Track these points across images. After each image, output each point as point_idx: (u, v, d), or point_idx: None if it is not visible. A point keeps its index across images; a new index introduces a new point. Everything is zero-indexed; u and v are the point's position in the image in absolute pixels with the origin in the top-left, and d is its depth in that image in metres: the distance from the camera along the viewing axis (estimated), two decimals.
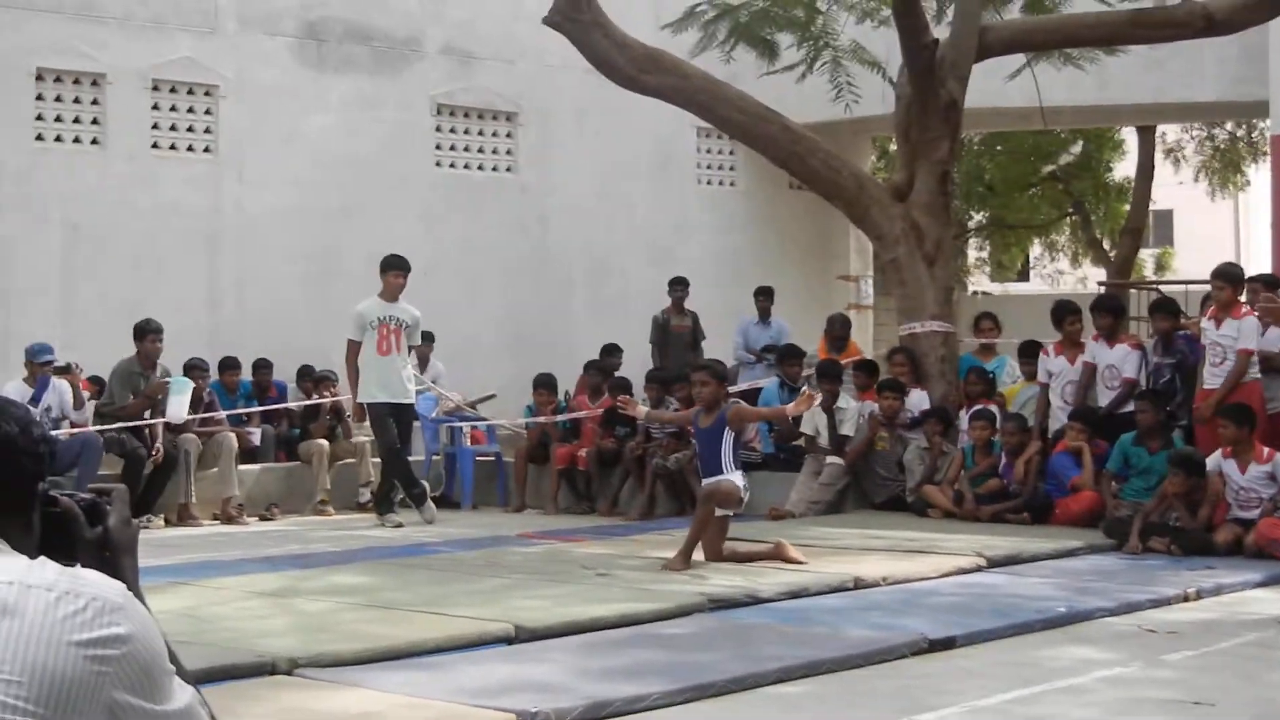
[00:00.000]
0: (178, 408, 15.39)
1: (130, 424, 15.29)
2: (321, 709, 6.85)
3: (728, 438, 11.54)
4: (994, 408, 15.28)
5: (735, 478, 11.54)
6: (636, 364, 18.54)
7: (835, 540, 12.65)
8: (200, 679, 7.34)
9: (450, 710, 6.77)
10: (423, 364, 18.14)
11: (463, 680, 7.40)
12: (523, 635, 8.60)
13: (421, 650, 8.15)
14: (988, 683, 7.69)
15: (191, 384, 15.63)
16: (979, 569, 11.45)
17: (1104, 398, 14.80)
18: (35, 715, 2.38)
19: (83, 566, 2.67)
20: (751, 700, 7.32)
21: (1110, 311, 15.24)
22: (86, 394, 15.72)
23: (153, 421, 15.41)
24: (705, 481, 11.79)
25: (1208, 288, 14.60)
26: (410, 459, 15.86)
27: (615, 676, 7.53)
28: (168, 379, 15.60)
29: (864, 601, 10.03)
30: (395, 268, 15.37)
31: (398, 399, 15.09)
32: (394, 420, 15.08)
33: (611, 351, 18.93)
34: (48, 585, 2.47)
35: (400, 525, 14.94)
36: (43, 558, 2.57)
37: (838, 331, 18.01)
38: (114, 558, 2.73)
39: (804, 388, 15.30)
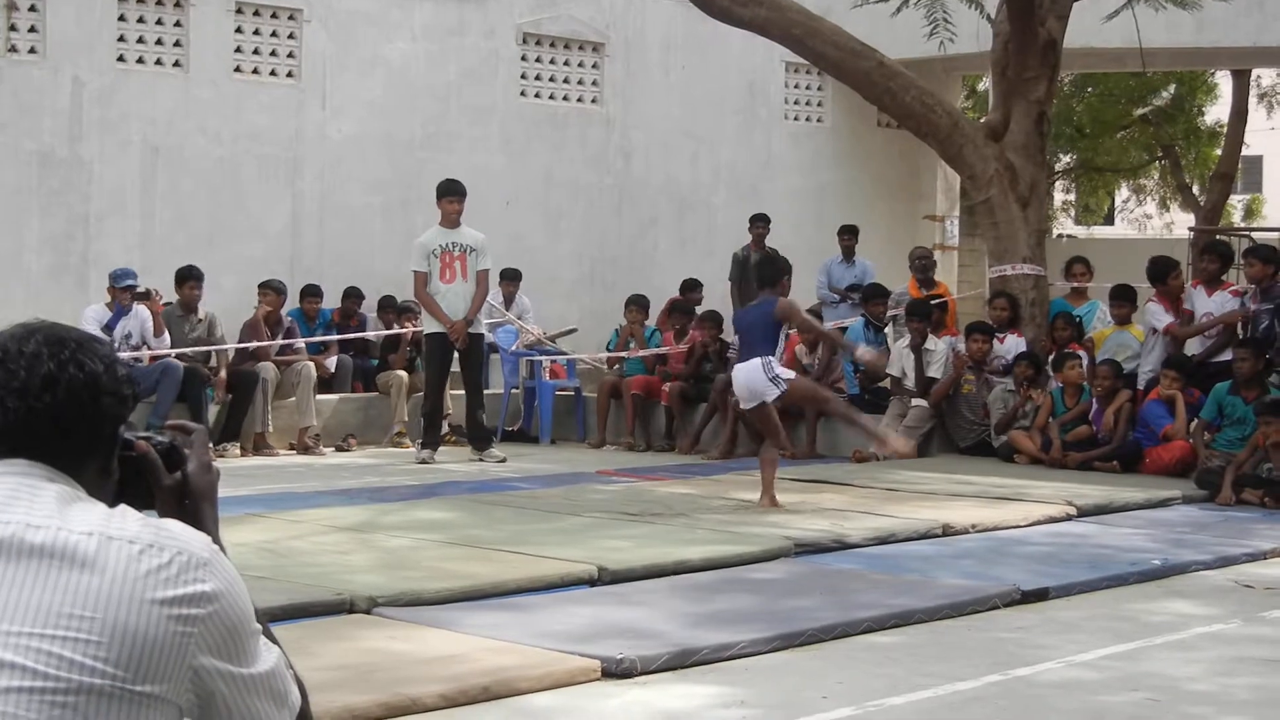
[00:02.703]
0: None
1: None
2: (401, 650, 6.70)
3: (770, 325, 11.39)
4: (1082, 353, 14.97)
5: (762, 377, 11.23)
6: (717, 301, 18.32)
7: (921, 485, 12.43)
8: (277, 616, 7.27)
9: (534, 655, 6.60)
10: (508, 300, 17.97)
11: (546, 623, 7.25)
12: (606, 577, 8.44)
13: (504, 590, 8.02)
14: (1084, 637, 7.49)
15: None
16: (1069, 518, 11.22)
17: (1200, 345, 14.49)
18: (116, 679, 2.20)
19: (160, 515, 2.50)
20: (843, 650, 7.15)
21: (1220, 257, 14.89)
22: None
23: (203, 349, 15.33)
24: (736, 383, 11.65)
25: None
26: (487, 392, 15.71)
27: (701, 622, 7.37)
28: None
29: (953, 549, 9.83)
30: (450, 193, 15.13)
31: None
32: (465, 351, 14.86)
33: (692, 287, 18.74)
34: (130, 537, 2.28)
35: (504, 460, 14.79)
36: (123, 506, 2.39)
37: (923, 267, 17.63)
38: (193, 505, 2.55)
39: (883, 344, 15.06)
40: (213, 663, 2.29)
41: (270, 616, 7.20)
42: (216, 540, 2.48)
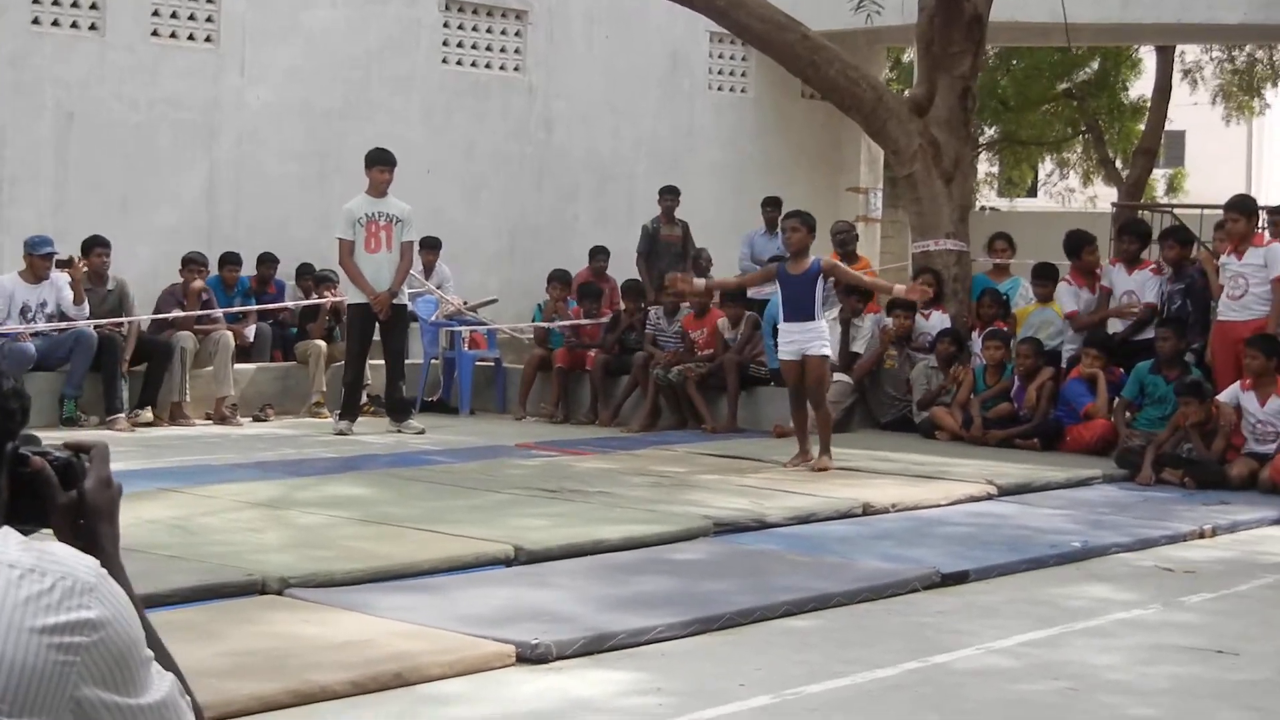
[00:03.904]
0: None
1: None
2: (311, 633, 6.58)
3: (821, 283, 12.15)
4: (1006, 329, 14.98)
5: (823, 325, 12.26)
6: (630, 273, 18.23)
7: (842, 461, 12.36)
8: (188, 597, 7.12)
9: (448, 640, 6.50)
10: (428, 269, 17.80)
11: (460, 605, 7.15)
12: (522, 557, 8.34)
13: (418, 571, 7.90)
14: (1003, 622, 7.46)
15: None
16: (989, 497, 11.19)
17: (1120, 324, 14.53)
18: None
19: (56, 533, 2.37)
20: (761, 634, 7.08)
21: (1139, 236, 14.93)
22: None
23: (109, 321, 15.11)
24: (786, 341, 12.24)
25: (1221, 213, 14.31)
26: (407, 362, 15.56)
27: (619, 605, 7.28)
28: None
29: (874, 529, 9.78)
30: (380, 162, 14.98)
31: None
32: (388, 322, 14.73)
33: (598, 254, 18.59)
34: (10, 561, 2.15)
35: (422, 431, 14.65)
36: (5, 528, 2.25)
37: (843, 241, 17.52)
38: (90, 524, 2.41)
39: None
40: (97, 694, 2.15)
41: (180, 598, 7.12)
42: (115, 561, 2.35)
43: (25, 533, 2.26)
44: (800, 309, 12.10)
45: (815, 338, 12.10)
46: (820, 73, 16.39)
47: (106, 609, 2.16)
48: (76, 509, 2.39)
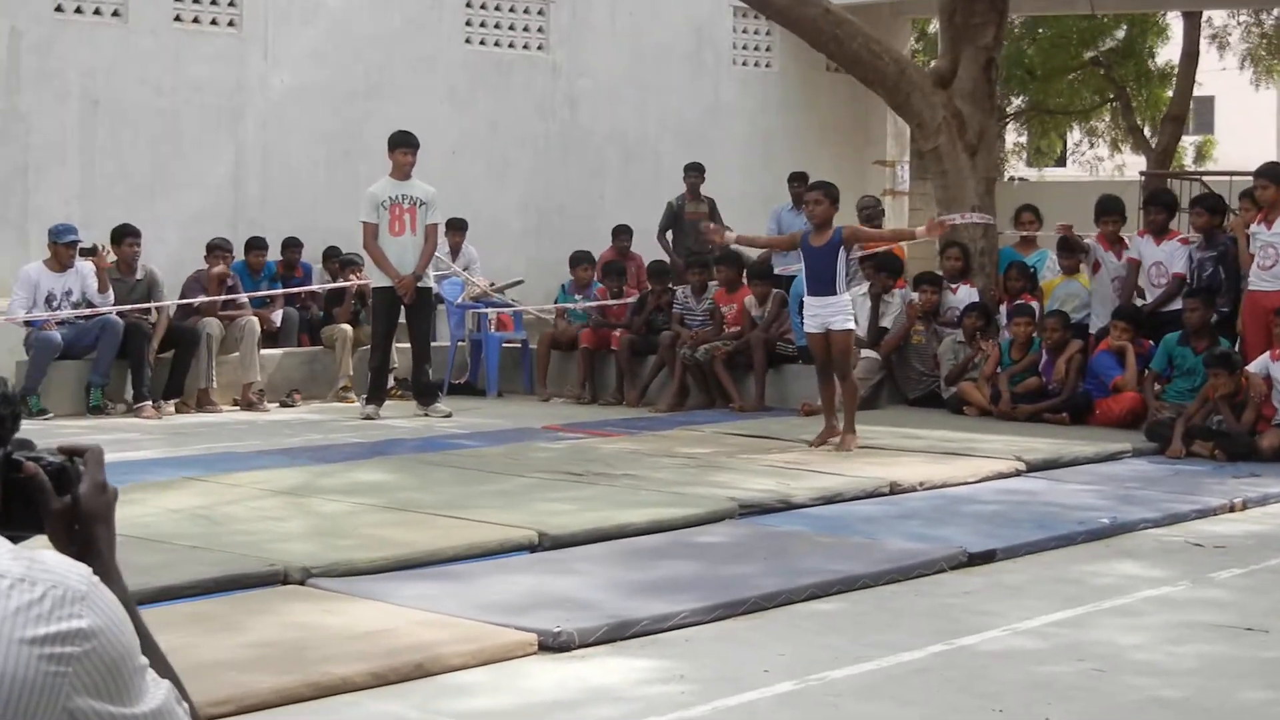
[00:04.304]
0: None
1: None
2: (332, 624, 6.56)
3: (843, 256, 12.00)
4: (1034, 303, 14.87)
5: (846, 299, 12.15)
6: (656, 251, 18.18)
7: (870, 439, 12.30)
8: (209, 589, 7.10)
9: (469, 629, 6.48)
10: (454, 251, 17.78)
11: (483, 593, 7.12)
12: (546, 543, 8.31)
13: (441, 559, 7.87)
14: (1030, 602, 7.41)
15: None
16: (1018, 473, 11.13)
17: (1149, 295, 14.42)
18: None
19: (51, 539, 2.34)
20: (785, 618, 7.04)
21: (1166, 207, 14.78)
22: None
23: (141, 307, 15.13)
24: (810, 315, 12.22)
25: (1251, 180, 14.15)
26: (434, 345, 15.55)
27: (642, 591, 7.25)
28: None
29: (901, 508, 9.72)
30: (403, 145, 14.93)
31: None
32: (413, 305, 14.71)
33: (621, 233, 18.51)
34: None
35: (449, 415, 14.63)
36: None
37: (869, 216, 17.42)
38: (85, 530, 2.38)
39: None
40: (90, 704, 2.12)
41: (202, 589, 7.10)
42: (110, 566, 2.31)
43: (18, 539, 2.23)
44: (823, 281, 12.02)
45: (838, 311, 12.04)
46: (843, 46, 16.30)
47: (99, 617, 2.13)
48: (71, 514, 2.37)
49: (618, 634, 6.54)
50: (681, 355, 15.62)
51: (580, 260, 17.66)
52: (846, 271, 12.11)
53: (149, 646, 2.26)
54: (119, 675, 2.13)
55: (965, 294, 15.47)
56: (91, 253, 14.89)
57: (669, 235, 18.60)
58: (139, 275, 15.35)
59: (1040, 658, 6.40)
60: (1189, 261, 14.21)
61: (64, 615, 2.09)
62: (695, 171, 18.69)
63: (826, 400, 12.38)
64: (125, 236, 15.28)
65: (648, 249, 18.34)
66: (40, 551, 2.20)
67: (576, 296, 17.40)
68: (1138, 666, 6.28)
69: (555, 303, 17.92)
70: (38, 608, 2.08)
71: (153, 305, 15.28)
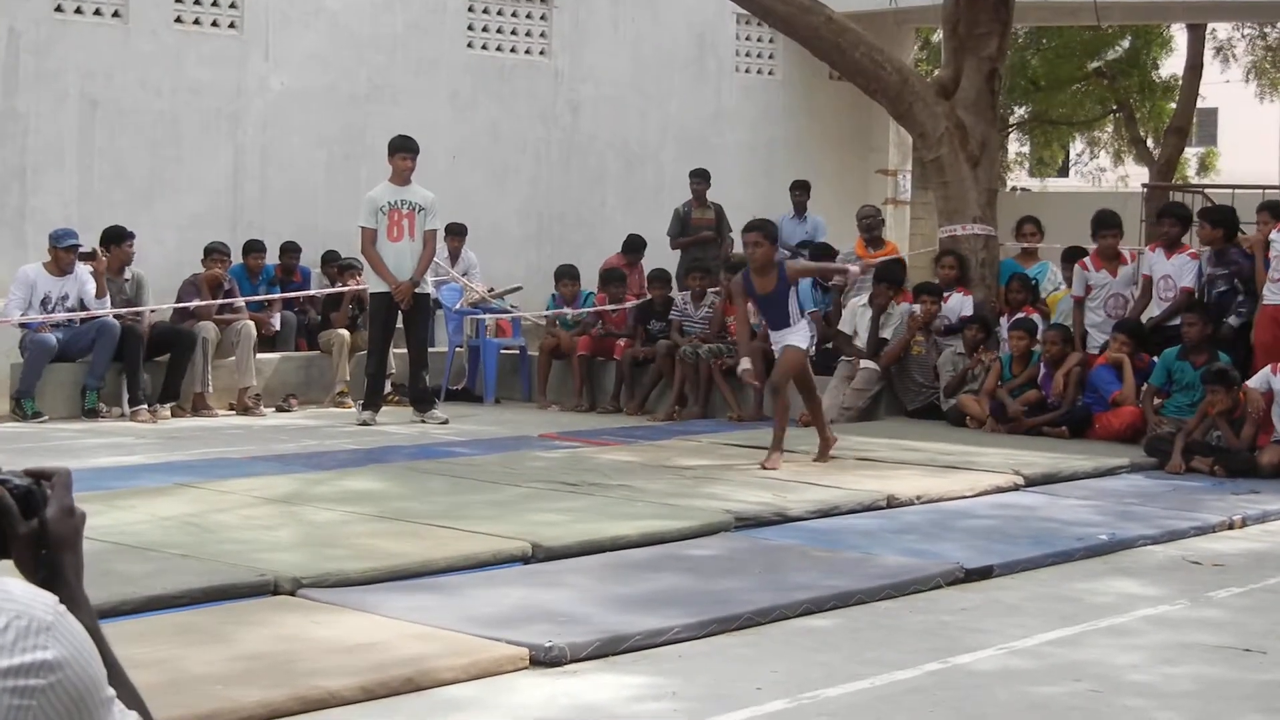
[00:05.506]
0: None
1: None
2: (321, 636, 6.49)
3: (793, 294, 11.79)
4: (1036, 317, 14.79)
5: (803, 324, 11.90)
6: (664, 259, 18.09)
7: (868, 451, 12.25)
8: (198, 599, 7.02)
9: (459, 642, 6.41)
10: (454, 256, 17.73)
11: (474, 606, 7.05)
12: (540, 554, 8.24)
13: (433, 570, 7.80)
14: (1026, 620, 7.33)
15: None
16: (1016, 488, 11.06)
17: (1157, 309, 14.29)
18: None
19: (17, 564, 2.28)
20: (779, 634, 6.97)
21: (1180, 220, 14.67)
22: None
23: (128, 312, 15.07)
24: (773, 340, 12.01)
25: (1257, 193, 14.07)
26: (431, 351, 15.51)
27: (635, 605, 7.18)
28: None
29: (897, 522, 9.65)
30: (402, 150, 14.87)
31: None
32: (410, 311, 14.67)
33: (635, 246, 18.37)
34: None
35: (445, 421, 14.58)
36: None
37: (869, 226, 17.34)
38: (51, 555, 2.32)
39: (830, 304, 14.95)
40: None
41: (190, 599, 7.02)
42: (77, 593, 2.26)
43: None
44: (780, 319, 11.80)
45: (795, 333, 11.79)
46: (845, 56, 16.26)
47: (64, 648, 2.07)
48: (38, 539, 2.31)
49: (609, 649, 6.48)
50: (682, 353, 15.57)
51: (564, 275, 17.51)
52: (799, 300, 11.92)
53: (116, 676, 2.21)
54: (85, 708, 2.08)
55: (957, 302, 15.40)
56: (90, 257, 14.84)
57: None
58: (127, 277, 15.30)
59: (1036, 678, 6.33)
60: (1198, 276, 14.11)
61: (28, 646, 2.04)
62: (700, 178, 18.61)
63: (778, 419, 11.99)
64: (124, 239, 15.20)
65: (652, 257, 18.17)
66: (5, 579, 2.14)
67: (567, 310, 17.26)
68: (1134, 687, 6.21)
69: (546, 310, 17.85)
70: (1, 638, 2.03)
71: (146, 309, 15.22)
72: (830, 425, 12.42)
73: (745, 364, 12.01)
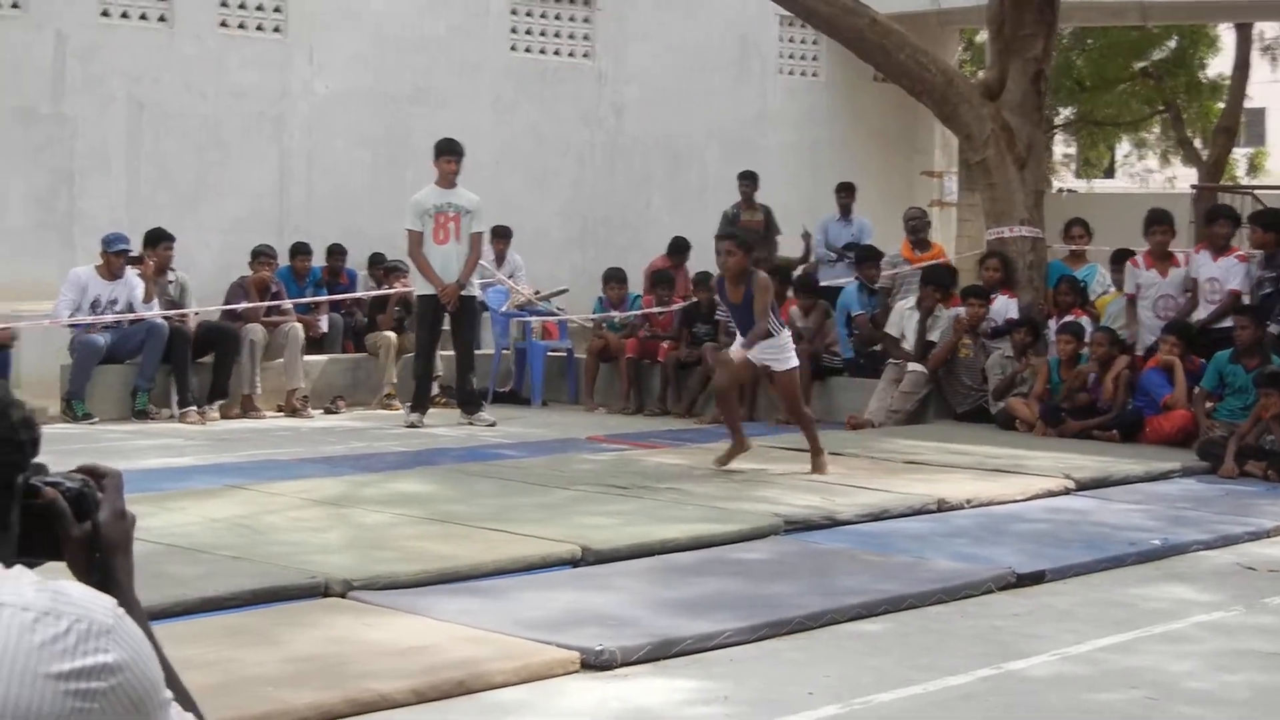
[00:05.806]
0: None
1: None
2: (372, 638, 6.49)
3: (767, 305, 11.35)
4: (1084, 319, 14.67)
5: (785, 338, 11.59)
6: (709, 260, 18.01)
7: (917, 455, 12.19)
8: (248, 601, 7.03)
9: (511, 645, 6.39)
10: (499, 258, 17.72)
11: (524, 609, 7.03)
12: (589, 558, 8.22)
13: (482, 573, 7.79)
14: (1079, 626, 7.27)
15: None
16: (1067, 492, 10.97)
17: (1203, 311, 14.18)
18: None
19: (70, 567, 2.26)
20: (831, 638, 6.93)
21: (1232, 220, 14.53)
22: None
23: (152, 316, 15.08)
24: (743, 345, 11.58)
25: None
26: (478, 353, 15.49)
27: (685, 609, 7.15)
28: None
29: (948, 526, 9.59)
30: (447, 153, 14.85)
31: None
32: (457, 314, 14.66)
33: (680, 249, 18.31)
34: (24, 604, 2.04)
35: (493, 424, 14.57)
36: (19, 566, 2.15)
37: (915, 228, 17.25)
38: (104, 558, 2.30)
39: (877, 306, 14.79)
40: None
41: (241, 601, 7.03)
42: (129, 596, 2.24)
43: (33, 565, 2.16)
44: (747, 326, 11.44)
45: (779, 352, 11.53)
46: (890, 58, 16.19)
47: (125, 651, 2.06)
48: (91, 542, 2.29)
49: (660, 653, 6.45)
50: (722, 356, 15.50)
51: (611, 278, 17.47)
52: (775, 313, 11.56)
53: (171, 679, 2.19)
54: (144, 710, 2.07)
55: (1002, 304, 15.30)
56: (137, 261, 14.88)
57: None
58: (170, 279, 15.35)
59: (1090, 684, 6.28)
60: (1247, 279, 14.00)
61: (90, 650, 2.03)
62: (748, 180, 18.52)
63: (730, 418, 11.90)
64: (161, 241, 15.23)
65: (697, 258, 18.08)
66: (63, 583, 2.13)
67: (614, 313, 17.23)
68: (1190, 695, 6.16)
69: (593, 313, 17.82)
70: (63, 642, 2.02)
71: (187, 311, 15.26)
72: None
73: (736, 348, 11.70)
